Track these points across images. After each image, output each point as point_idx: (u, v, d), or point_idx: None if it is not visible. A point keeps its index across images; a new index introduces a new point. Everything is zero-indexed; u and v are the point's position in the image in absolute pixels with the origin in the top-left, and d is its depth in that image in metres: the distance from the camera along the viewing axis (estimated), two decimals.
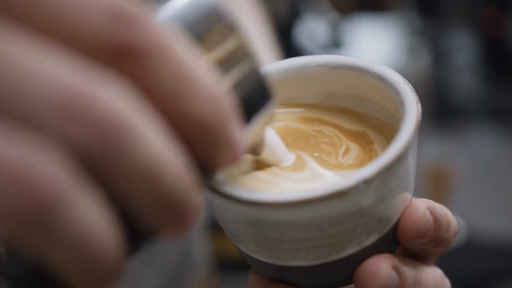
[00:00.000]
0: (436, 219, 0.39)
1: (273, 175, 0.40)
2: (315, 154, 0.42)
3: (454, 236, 0.42)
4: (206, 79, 0.29)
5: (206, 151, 0.30)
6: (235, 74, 0.33)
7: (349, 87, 0.43)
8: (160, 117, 0.28)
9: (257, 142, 0.38)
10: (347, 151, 0.41)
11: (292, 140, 0.43)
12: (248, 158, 0.41)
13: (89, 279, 0.26)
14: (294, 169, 0.40)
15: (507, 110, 2.01)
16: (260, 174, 0.40)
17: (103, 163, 0.26)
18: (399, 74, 0.39)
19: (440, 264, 0.41)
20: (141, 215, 0.28)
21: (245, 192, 0.36)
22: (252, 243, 0.39)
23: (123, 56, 0.27)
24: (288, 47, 2.10)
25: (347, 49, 2.23)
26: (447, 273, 0.41)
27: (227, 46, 0.32)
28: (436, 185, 1.54)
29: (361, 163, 0.40)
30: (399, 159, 0.35)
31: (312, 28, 2.15)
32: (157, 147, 0.27)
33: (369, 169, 0.35)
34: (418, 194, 0.38)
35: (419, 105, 0.38)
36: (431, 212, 0.38)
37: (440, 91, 2.03)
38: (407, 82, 0.39)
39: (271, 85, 0.35)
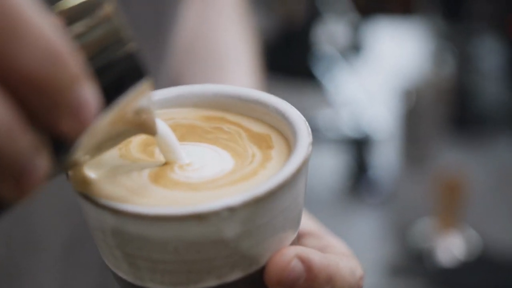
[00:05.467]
0: (309, 269, 0.37)
1: (152, 182, 0.38)
2: (210, 152, 0.41)
3: None
4: (45, 32, 0.27)
5: (44, 112, 0.28)
6: (96, 39, 0.31)
7: (263, 125, 0.43)
8: None
9: (126, 120, 0.35)
10: (252, 156, 0.40)
11: (180, 136, 0.41)
12: (127, 155, 0.40)
13: None
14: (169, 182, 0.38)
15: None
16: (138, 179, 0.38)
17: None
18: (301, 115, 0.40)
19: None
20: None
21: (106, 198, 0.36)
22: (112, 255, 0.38)
23: None
24: (306, 49, 2.16)
25: (368, 52, 2.28)
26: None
27: (91, 11, 0.31)
28: (449, 196, 1.58)
29: (244, 177, 0.39)
30: (272, 196, 0.35)
31: (332, 29, 2.20)
32: None
33: (236, 197, 0.34)
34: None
35: (311, 148, 0.38)
36: (304, 261, 0.37)
37: (464, 98, 2.05)
38: (307, 124, 0.40)
39: (142, 61, 0.34)
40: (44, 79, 0.27)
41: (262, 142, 0.41)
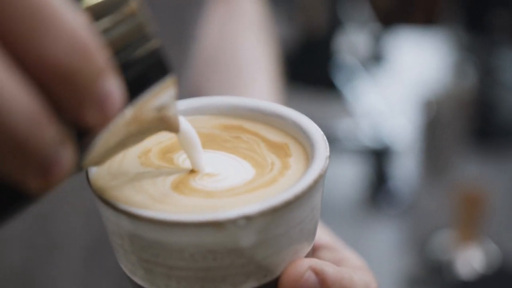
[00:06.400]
0: (323, 281, 0.37)
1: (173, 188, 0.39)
2: (232, 161, 0.41)
3: None
4: (74, 25, 0.28)
5: (70, 103, 0.29)
6: (121, 35, 0.32)
7: (281, 134, 0.44)
8: (7, 56, 0.27)
9: (145, 117, 0.36)
10: (271, 164, 0.41)
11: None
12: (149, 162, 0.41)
13: None
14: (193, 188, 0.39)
15: None
16: (154, 187, 0.39)
17: None
18: (319, 129, 0.41)
19: None
20: None
21: (125, 203, 0.36)
22: (128, 261, 0.39)
23: None
24: (327, 58, 2.16)
25: (389, 63, 2.28)
26: None
27: (118, 11, 0.32)
28: (469, 208, 1.58)
29: (264, 184, 0.39)
30: (288, 206, 0.36)
31: (353, 39, 2.20)
32: None
33: (253, 206, 0.35)
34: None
35: (328, 161, 0.38)
36: (318, 273, 0.37)
37: (485, 110, 2.04)
38: (325, 138, 0.40)
39: (166, 58, 0.34)
40: (72, 70, 0.28)
41: (280, 151, 0.42)
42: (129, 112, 0.34)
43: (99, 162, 0.36)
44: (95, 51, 0.28)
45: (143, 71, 0.33)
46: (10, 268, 0.65)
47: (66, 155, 0.29)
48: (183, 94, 0.51)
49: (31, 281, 0.66)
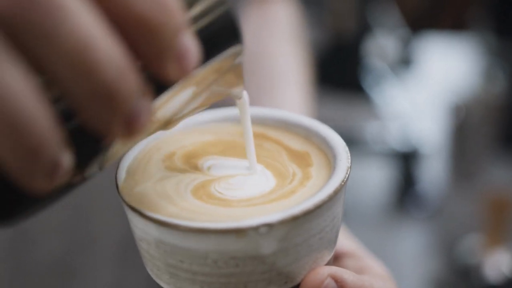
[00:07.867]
0: None
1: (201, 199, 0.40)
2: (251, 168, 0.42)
3: None
4: None
5: (152, 55, 0.30)
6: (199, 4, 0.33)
7: (303, 143, 0.44)
8: (98, 9, 0.28)
9: (210, 85, 0.36)
10: (293, 174, 0.41)
11: (221, 151, 0.43)
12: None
13: (25, 167, 0.26)
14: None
15: None
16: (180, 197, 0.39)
17: (25, 33, 0.26)
18: (342, 140, 0.42)
19: None
20: (81, 106, 0.28)
21: (151, 210, 0.37)
22: (154, 265, 0.39)
23: None
24: (356, 62, 2.16)
25: (417, 67, 2.27)
26: None
27: None
28: (497, 213, 1.57)
29: (284, 195, 0.39)
30: (309, 215, 0.36)
31: (382, 43, 2.19)
32: (90, 28, 0.27)
33: (275, 214, 0.36)
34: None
35: (349, 172, 0.39)
36: (337, 281, 0.38)
37: None
38: (347, 149, 0.41)
39: (238, 25, 0.35)
40: (155, 24, 0.29)
41: (302, 160, 0.43)
42: (201, 71, 0.34)
43: (168, 123, 0.36)
44: (176, 8, 0.30)
45: (215, 33, 0.34)
46: (50, 258, 0.66)
47: (147, 107, 0.30)
48: None
49: (69, 271, 0.67)
